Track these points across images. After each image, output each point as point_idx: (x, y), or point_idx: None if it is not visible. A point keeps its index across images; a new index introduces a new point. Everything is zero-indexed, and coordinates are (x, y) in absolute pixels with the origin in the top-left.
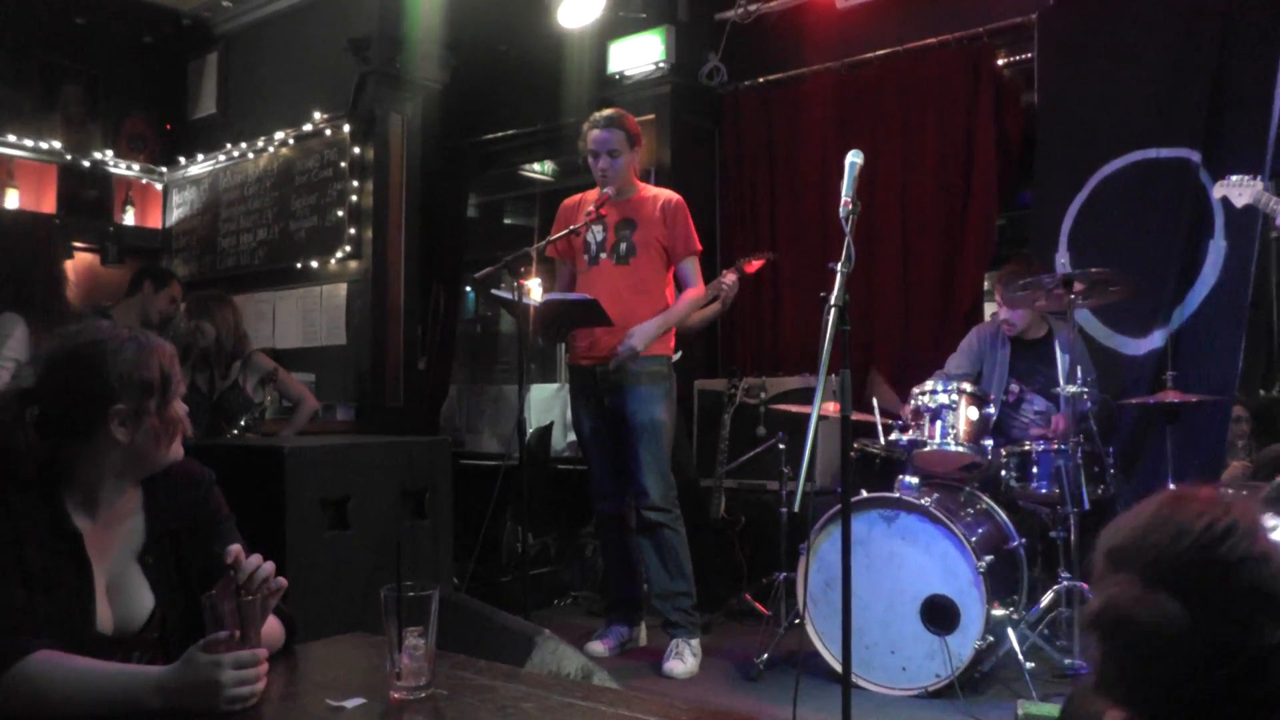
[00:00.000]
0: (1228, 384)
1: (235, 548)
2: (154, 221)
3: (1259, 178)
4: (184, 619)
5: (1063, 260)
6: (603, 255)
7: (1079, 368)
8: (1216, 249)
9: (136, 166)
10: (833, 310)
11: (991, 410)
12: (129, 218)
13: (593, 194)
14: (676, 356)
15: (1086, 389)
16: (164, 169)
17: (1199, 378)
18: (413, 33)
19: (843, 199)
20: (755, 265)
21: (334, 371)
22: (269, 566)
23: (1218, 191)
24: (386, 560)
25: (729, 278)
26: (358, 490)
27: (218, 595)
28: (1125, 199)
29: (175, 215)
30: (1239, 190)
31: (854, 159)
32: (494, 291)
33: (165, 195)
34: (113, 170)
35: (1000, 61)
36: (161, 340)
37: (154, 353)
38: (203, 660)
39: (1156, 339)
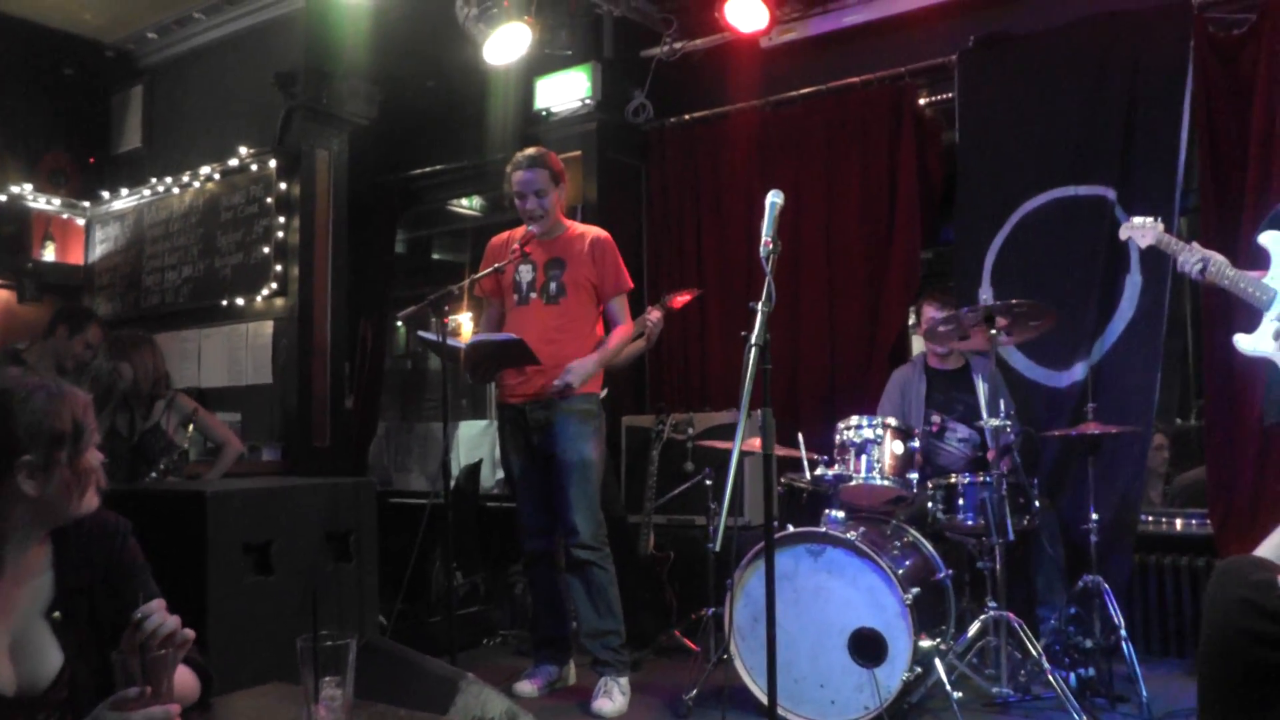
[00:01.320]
0: (1145, 415)
1: (150, 605)
2: (75, 258)
3: (1159, 220)
4: (96, 677)
5: (985, 295)
6: (533, 295)
7: (1000, 400)
8: (1133, 284)
9: (57, 201)
10: (754, 349)
11: (916, 444)
12: (49, 254)
13: (520, 231)
14: (603, 393)
15: (1009, 422)
16: (86, 204)
17: (1117, 409)
18: (339, 68)
19: (763, 239)
20: (682, 300)
21: (260, 411)
22: (172, 621)
23: (1123, 233)
24: (310, 606)
25: (654, 315)
26: (281, 534)
27: (125, 650)
28: (1045, 235)
29: (98, 251)
30: (1141, 232)
31: (774, 199)
32: (420, 334)
33: (87, 231)
34: (32, 205)
35: (922, 101)
36: (74, 389)
37: (65, 402)
38: (110, 719)
39: (1078, 371)
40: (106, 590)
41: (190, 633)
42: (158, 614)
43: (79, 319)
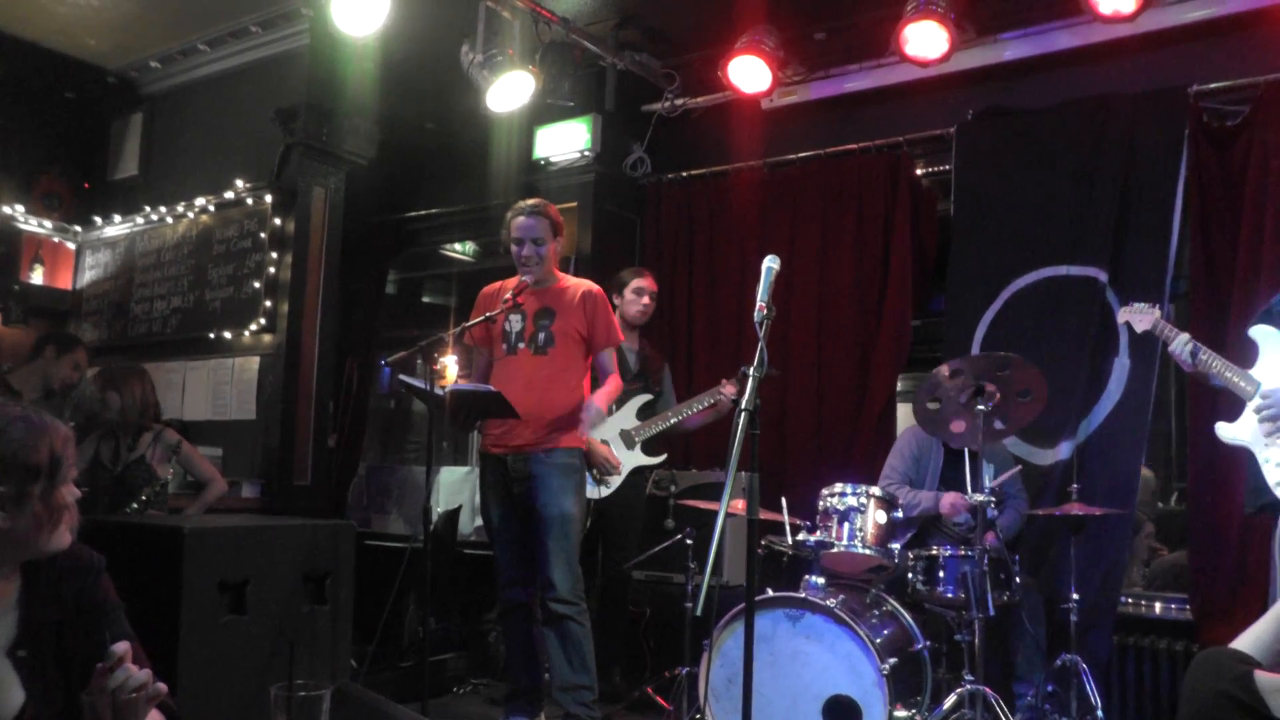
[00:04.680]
0: (1128, 498)
1: (122, 646)
2: (64, 282)
3: (1157, 306)
4: (61, 716)
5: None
6: (521, 345)
7: (987, 478)
8: (1121, 366)
9: (49, 224)
10: (744, 414)
11: (900, 515)
12: (37, 277)
13: (512, 282)
14: (662, 458)
15: (993, 499)
16: (78, 229)
17: (1101, 490)
18: (341, 106)
19: (758, 303)
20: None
21: (242, 447)
22: (142, 675)
23: (1121, 317)
24: (283, 647)
25: (728, 389)
26: (258, 573)
27: (93, 692)
28: (1036, 313)
29: (87, 277)
30: (1139, 317)
31: (770, 264)
32: (403, 379)
33: (78, 256)
34: (22, 227)
35: (918, 170)
36: (56, 422)
37: (45, 434)
38: None
39: (1064, 450)
40: (76, 628)
41: (162, 687)
42: (125, 667)
43: (67, 341)
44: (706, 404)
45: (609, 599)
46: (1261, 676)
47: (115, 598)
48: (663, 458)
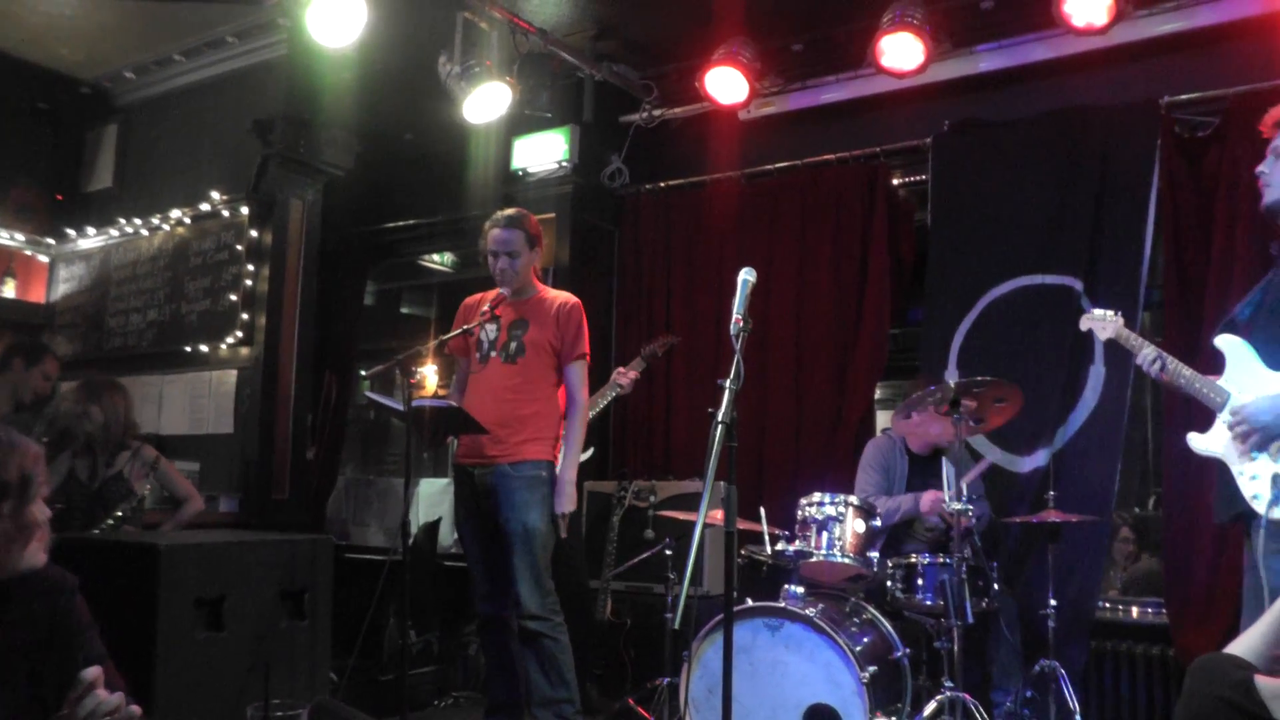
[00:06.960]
0: (1105, 504)
1: (92, 671)
2: (36, 295)
3: (1119, 314)
4: None
5: (952, 379)
6: (493, 354)
7: (963, 484)
8: (1096, 374)
9: (21, 236)
10: (720, 427)
11: (878, 523)
12: (9, 290)
13: (493, 293)
14: (589, 454)
15: (971, 505)
16: (51, 241)
17: (1078, 497)
18: (318, 117)
19: (734, 316)
20: (661, 348)
21: (219, 461)
22: (114, 699)
23: (1084, 324)
24: (260, 664)
25: (627, 377)
26: (235, 589)
27: (66, 715)
28: (1012, 322)
29: (61, 290)
30: (1102, 325)
31: (746, 276)
32: (368, 395)
33: (51, 268)
34: None
35: (895, 181)
36: (26, 440)
37: (14, 453)
38: None
39: (1040, 458)
40: (49, 649)
41: (136, 709)
42: (95, 693)
43: (35, 351)
44: (609, 398)
45: (569, 612)
46: (1262, 682)
47: (88, 618)
48: (591, 452)
